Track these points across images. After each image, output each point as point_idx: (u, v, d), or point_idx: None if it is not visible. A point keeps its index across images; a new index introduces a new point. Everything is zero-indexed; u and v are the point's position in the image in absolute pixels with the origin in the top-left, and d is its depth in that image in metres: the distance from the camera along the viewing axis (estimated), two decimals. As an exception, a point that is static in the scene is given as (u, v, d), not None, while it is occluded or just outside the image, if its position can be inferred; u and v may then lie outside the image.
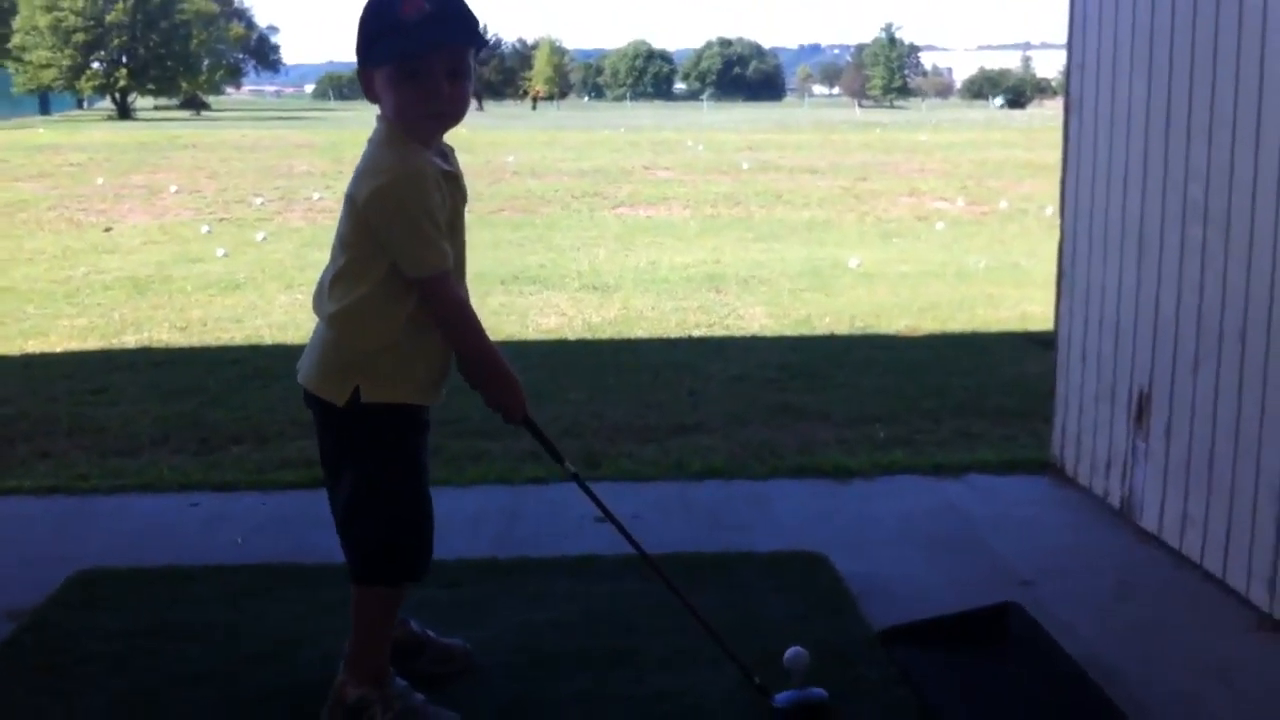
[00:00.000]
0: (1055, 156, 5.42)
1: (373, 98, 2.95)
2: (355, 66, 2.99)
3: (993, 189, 21.25)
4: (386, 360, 2.95)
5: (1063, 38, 5.33)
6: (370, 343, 2.93)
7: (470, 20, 2.93)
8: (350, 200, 2.91)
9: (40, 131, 42.47)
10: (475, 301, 3.17)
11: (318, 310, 3.03)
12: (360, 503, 3.03)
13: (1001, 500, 4.94)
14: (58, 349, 8.30)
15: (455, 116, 2.95)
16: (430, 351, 2.99)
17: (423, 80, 2.85)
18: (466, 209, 3.07)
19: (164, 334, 8.75)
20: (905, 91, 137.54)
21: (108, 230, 15.42)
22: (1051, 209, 16.10)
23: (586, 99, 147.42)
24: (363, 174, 2.91)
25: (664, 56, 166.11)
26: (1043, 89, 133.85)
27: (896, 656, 3.45)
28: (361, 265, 2.91)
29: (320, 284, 3.03)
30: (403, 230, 2.84)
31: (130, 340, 8.54)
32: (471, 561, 4.18)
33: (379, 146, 2.93)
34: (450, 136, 3.07)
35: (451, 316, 2.96)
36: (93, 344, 8.44)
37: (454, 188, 2.97)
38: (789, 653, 3.20)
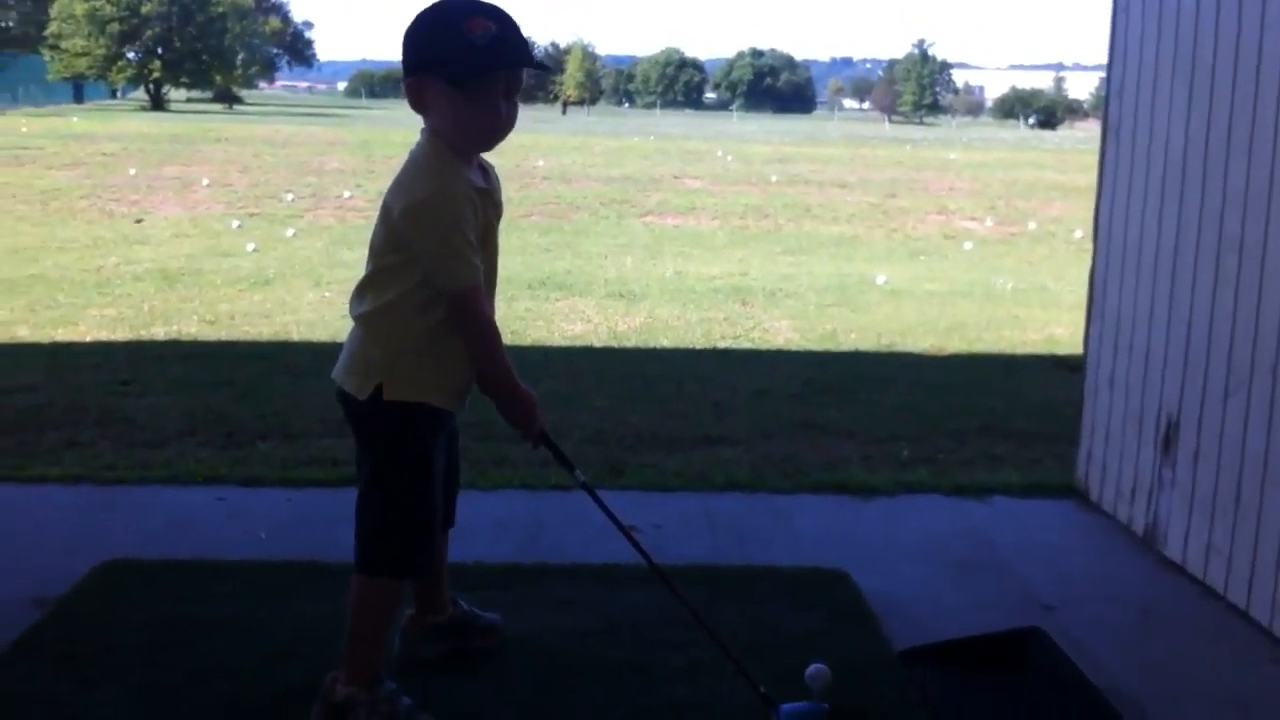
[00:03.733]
0: (1085, 179, 5.43)
1: (419, 108, 2.98)
2: (394, 68, 3.04)
3: (1022, 210, 21.20)
4: (409, 362, 3.01)
5: (1095, 59, 5.36)
6: (393, 345, 3.01)
7: (526, 41, 3.01)
8: (385, 211, 2.98)
9: (74, 120, 42.79)
10: (503, 305, 3.21)
11: (351, 311, 3.12)
12: (368, 493, 3.13)
13: (1025, 523, 4.93)
14: (87, 338, 8.35)
15: (505, 133, 3.02)
16: (455, 359, 3.05)
17: (483, 99, 2.91)
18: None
19: (193, 327, 8.80)
20: (936, 108, 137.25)
21: (139, 221, 15.52)
22: (1080, 232, 16.07)
23: (626, 106, 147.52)
24: (399, 186, 2.97)
25: (695, 65, 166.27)
26: (1074, 110, 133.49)
27: (916, 677, 3.45)
28: (391, 273, 3.00)
29: (357, 286, 3.10)
30: (435, 245, 2.91)
31: (159, 332, 8.59)
32: (493, 566, 4.20)
33: (419, 160, 2.99)
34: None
35: (475, 332, 3.02)
36: (122, 335, 8.49)
37: (488, 204, 3.03)
38: (810, 669, 3.20)
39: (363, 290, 3.07)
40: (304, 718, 3.12)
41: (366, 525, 3.13)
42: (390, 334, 3.01)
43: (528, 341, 8.53)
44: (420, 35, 2.92)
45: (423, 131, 3.01)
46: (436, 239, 2.90)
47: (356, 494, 3.16)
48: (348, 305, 3.17)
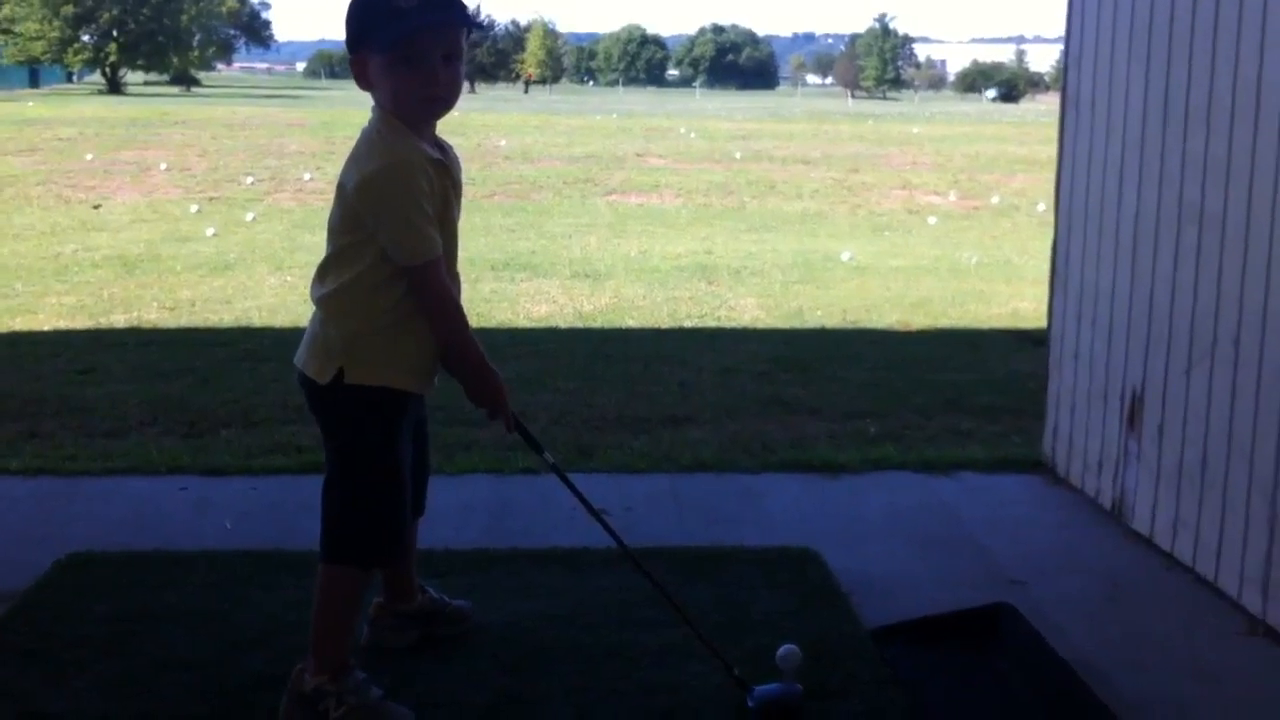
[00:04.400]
0: (1047, 152, 5.44)
1: (365, 85, 2.97)
2: (347, 51, 3.01)
3: (985, 184, 21.27)
4: (372, 344, 2.98)
5: (1056, 32, 5.31)
6: (356, 326, 2.98)
7: (461, 2, 2.97)
8: (341, 188, 2.97)
9: (29, 105, 42.29)
10: (466, 287, 3.19)
11: (312, 294, 3.08)
12: (333, 480, 3.09)
13: (992, 499, 4.94)
14: (46, 327, 8.26)
15: (450, 100, 3.00)
16: (418, 339, 3.02)
17: (418, 64, 2.89)
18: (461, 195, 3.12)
19: (153, 314, 8.71)
20: (898, 83, 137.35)
21: (97, 207, 15.36)
22: (1043, 205, 16.11)
23: (590, 84, 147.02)
24: (353, 162, 2.96)
25: (657, 42, 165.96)
26: (1035, 83, 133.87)
27: (888, 655, 3.45)
28: (351, 252, 2.96)
29: (317, 269, 3.07)
30: (391, 218, 2.88)
31: (119, 320, 8.51)
32: (460, 552, 4.17)
33: (371, 136, 2.97)
34: (442, 118, 3.08)
35: (435, 306, 2.99)
36: (81, 323, 8.40)
37: (444, 177, 3.00)
38: (781, 651, 3.19)
39: (322, 272, 3.03)
40: (272, 707, 3.09)
41: (331, 513, 3.09)
42: (350, 314, 2.98)
43: (493, 324, 8.50)
44: (354, 11, 2.93)
45: (373, 109, 2.99)
46: (390, 211, 2.87)
47: (322, 481, 3.12)
48: (309, 290, 3.13)
